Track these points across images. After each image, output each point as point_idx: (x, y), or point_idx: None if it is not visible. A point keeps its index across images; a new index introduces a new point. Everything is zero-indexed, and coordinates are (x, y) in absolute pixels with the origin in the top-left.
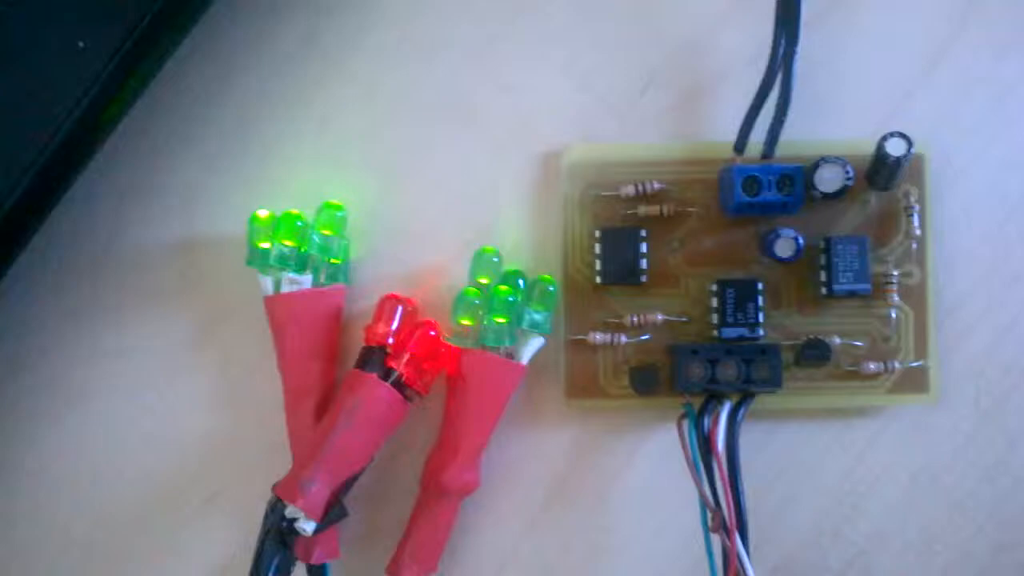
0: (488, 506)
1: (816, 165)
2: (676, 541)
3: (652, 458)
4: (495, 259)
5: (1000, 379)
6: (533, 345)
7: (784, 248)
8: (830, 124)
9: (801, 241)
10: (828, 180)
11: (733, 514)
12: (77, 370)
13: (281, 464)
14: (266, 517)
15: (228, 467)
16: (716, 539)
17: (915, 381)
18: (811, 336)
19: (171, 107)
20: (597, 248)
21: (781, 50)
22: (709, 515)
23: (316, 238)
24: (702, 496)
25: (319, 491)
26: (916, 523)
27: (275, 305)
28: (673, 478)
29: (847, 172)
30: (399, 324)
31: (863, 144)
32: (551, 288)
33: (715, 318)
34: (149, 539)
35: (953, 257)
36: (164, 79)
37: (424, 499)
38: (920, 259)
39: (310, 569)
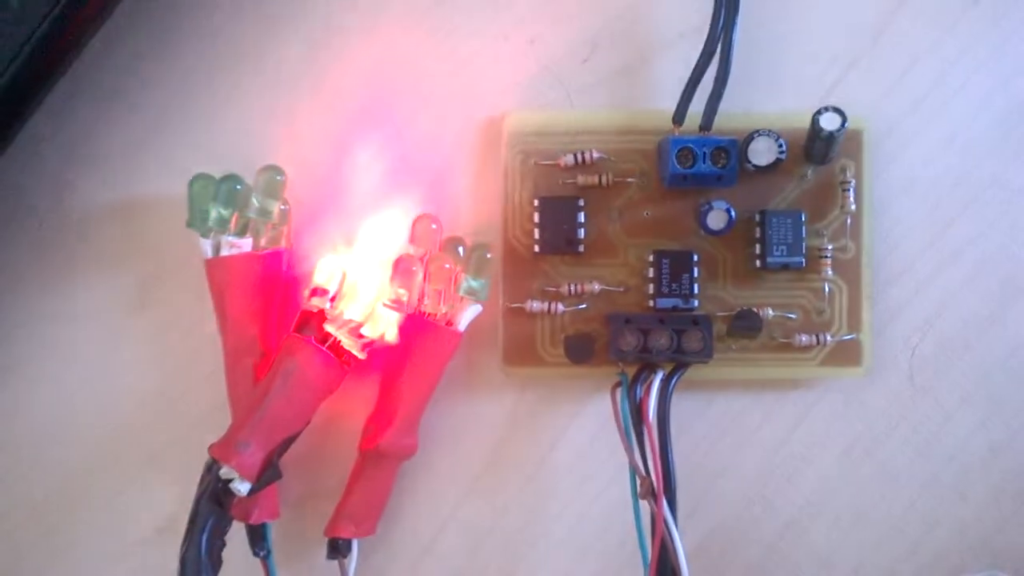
0: (426, 471)
1: (750, 138)
2: (610, 507)
3: (588, 426)
4: (433, 226)
5: (936, 354)
6: (470, 312)
7: (716, 220)
8: (772, 98)
9: (733, 214)
10: (761, 153)
11: (661, 481)
12: (19, 333)
13: (221, 426)
14: (202, 477)
15: (168, 428)
16: (646, 507)
17: (847, 354)
18: (743, 307)
19: (113, 68)
20: (535, 217)
21: (721, 21)
22: (639, 482)
23: (256, 201)
24: (632, 463)
25: (254, 452)
26: (848, 496)
27: (215, 268)
28: (608, 446)
29: (780, 145)
30: (337, 289)
31: (804, 118)
32: (489, 255)
33: (651, 288)
34: (90, 500)
35: (891, 232)
36: (104, 40)
37: (363, 463)
38: (855, 233)
39: (250, 529)
